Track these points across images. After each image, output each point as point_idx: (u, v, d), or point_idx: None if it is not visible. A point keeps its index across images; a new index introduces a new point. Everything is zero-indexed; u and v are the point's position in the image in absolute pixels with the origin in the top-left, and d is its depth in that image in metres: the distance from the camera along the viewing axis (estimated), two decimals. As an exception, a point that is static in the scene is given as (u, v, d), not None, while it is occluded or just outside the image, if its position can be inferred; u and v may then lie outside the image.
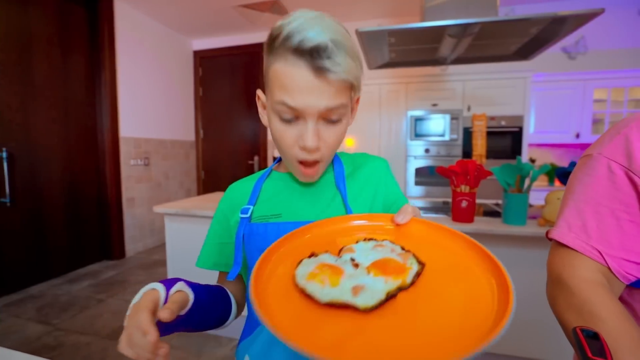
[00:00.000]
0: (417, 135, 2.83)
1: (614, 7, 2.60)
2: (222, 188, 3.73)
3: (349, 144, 3.05)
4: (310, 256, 0.37)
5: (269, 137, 3.61)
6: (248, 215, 0.54)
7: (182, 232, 1.74)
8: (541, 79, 2.78)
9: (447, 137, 2.77)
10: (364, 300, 0.29)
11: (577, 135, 2.77)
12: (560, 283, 0.47)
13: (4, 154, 2.02)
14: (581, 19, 1.32)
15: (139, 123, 3.08)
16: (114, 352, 1.60)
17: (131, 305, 0.39)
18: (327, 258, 0.36)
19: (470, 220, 1.40)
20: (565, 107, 2.78)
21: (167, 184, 3.49)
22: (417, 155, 2.86)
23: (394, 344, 0.26)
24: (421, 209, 1.81)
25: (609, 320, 0.40)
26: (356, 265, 0.34)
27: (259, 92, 0.54)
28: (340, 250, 0.39)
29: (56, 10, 2.38)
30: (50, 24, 2.34)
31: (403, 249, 0.38)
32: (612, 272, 0.46)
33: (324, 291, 0.31)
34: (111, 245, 2.83)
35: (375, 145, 2.98)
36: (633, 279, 0.46)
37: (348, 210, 0.54)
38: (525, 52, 1.73)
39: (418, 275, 0.33)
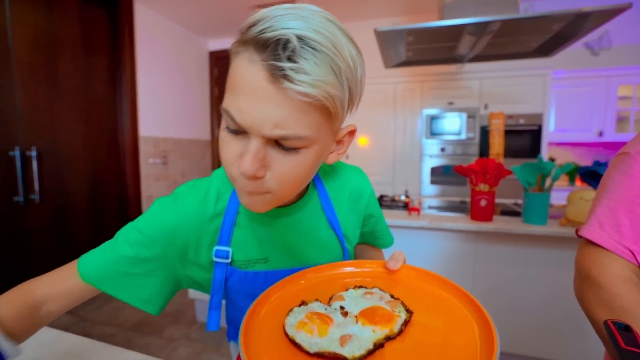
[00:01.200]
0: (433, 134, 2.81)
1: (640, 0, 2.51)
2: (237, 186, 3.79)
3: (362, 142, 3.04)
4: (300, 304, 0.38)
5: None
6: (228, 260, 0.46)
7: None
8: (562, 76, 2.71)
9: (463, 136, 2.73)
10: (351, 351, 0.31)
11: (600, 134, 2.69)
12: (590, 279, 0.48)
13: (34, 153, 2.11)
14: (606, 15, 1.28)
15: (158, 122, 3.16)
16: (138, 344, 1.66)
17: None
18: (316, 307, 0.37)
19: (489, 219, 1.39)
20: (587, 104, 2.70)
21: (183, 182, 3.56)
22: (433, 154, 2.83)
23: None
24: (437, 208, 1.80)
25: None
26: (345, 314, 0.35)
27: None
28: (331, 298, 0.39)
29: (79, 13, 2.47)
30: (74, 27, 2.43)
31: (392, 296, 0.39)
32: (644, 271, 0.46)
33: (312, 340, 0.32)
34: (131, 241, 2.91)
35: (390, 144, 2.97)
36: (665, 279, 0.46)
37: (345, 253, 0.52)
38: (547, 49, 1.69)
39: (406, 323, 0.35)
